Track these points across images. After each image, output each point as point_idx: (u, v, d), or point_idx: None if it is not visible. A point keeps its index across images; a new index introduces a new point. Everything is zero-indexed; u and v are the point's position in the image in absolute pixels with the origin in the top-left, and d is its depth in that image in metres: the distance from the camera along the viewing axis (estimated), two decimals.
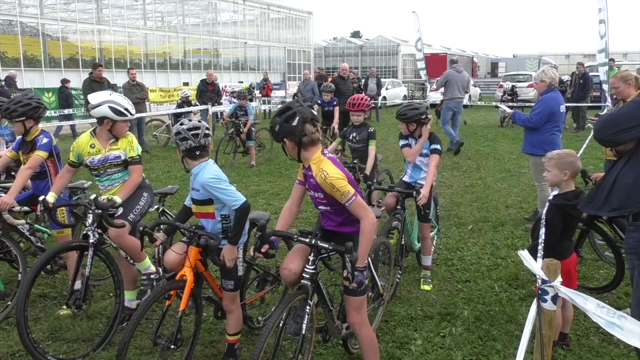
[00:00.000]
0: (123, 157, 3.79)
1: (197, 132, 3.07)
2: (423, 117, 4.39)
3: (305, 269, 2.79)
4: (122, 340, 2.81)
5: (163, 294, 3.09)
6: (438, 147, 4.44)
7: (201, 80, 14.90)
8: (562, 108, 5.87)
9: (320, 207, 2.96)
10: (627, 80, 4.71)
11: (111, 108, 3.63)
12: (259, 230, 2.75)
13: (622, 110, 2.92)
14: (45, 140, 3.93)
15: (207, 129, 3.15)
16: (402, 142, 4.66)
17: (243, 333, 3.49)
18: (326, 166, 2.74)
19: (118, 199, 3.61)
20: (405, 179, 4.68)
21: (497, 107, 7.64)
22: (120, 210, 3.70)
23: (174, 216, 4.23)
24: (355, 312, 2.87)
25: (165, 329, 3.37)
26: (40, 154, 3.89)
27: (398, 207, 4.39)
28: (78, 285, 3.64)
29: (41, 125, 4.13)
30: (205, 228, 3.24)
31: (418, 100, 5.65)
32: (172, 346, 2.99)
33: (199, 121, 3.17)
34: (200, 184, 3.06)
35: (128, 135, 3.87)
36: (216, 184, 3.01)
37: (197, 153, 3.10)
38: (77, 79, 20.71)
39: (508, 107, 16.64)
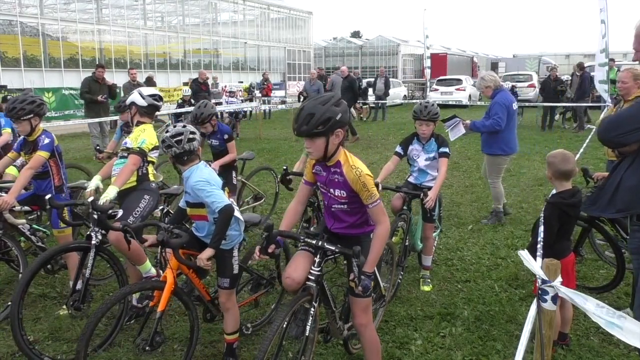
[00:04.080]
0: (128, 145, 4.00)
1: (179, 138, 3.06)
2: (436, 115, 4.37)
3: (311, 271, 2.76)
4: (84, 330, 2.82)
5: (137, 291, 3.20)
6: (447, 150, 4.40)
7: (193, 80, 14.98)
8: (515, 105, 6.13)
9: (335, 207, 2.86)
10: (637, 79, 4.68)
11: (140, 94, 4.16)
12: (266, 230, 2.71)
13: (627, 111, 2.90)
14: (47, 141, 3.94)
15: (192, 132, 3.13)
16: (399, 149, 4.54)
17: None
18: (358, 163, 2.72)
19: (113, 191, 3.65)
20: (411, 179, 4.62)
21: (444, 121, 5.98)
22: (120, 212, 3.72)
23: None
24: (363, 313, 2.85)
25: (165, 329, 3.37)
26: (42, 154, 3.90)
27: (404, 207, 4.36)
28: (80, 285, 3.64)
29: (42, 125, 4.13)
30: (201, 231, 3.26)
31: (430, 100, 5.19)
32: (148, 348, 2.95)
33: (184, 126, 3.15)
34: (190, 188, 3.09)
35: (142, 130, 4.04)
36: (202, 187, 3.03)
37: (185, 158, 3.11)
38: (77, 79, 20.71)
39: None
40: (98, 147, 6.83)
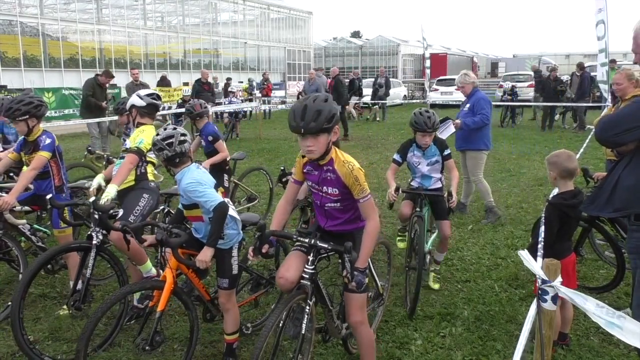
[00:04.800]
0: (127, 145, 4.05)
1: (170, 141, 3.07)
2: (438, 123, 4.32)
3: (305, 269, 2.77)
4: (84, 330, 2.81)
5: (137, 290, 3.21)
6: (450, 151, 4.42)
7: (196, 80, 14.96)
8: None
9: (328, 205, 2.87)
10: (631, 79, 4.78)
11: (138, 95, 4.23)
12: (259, 230, 2.72)
13: (624, 111, 2.90)
14: (48, 141, 3.95)
15: (183, 135, 3.13)
16: (397, 157, 4.47)
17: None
18: (349, 158, 2.73)
19: (112, 189, 3.66)
20: (414, 184, 4.55)
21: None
22: (121, 212, 3.74)
23: None
24: (359, 310, 2.87)
25: (165, 329, 3.37)
26: (44, 154, 3.91)
27: (417, 209, 4.26)
28: (80, 285, 3.64)
29: (41, 125, 4.13)
30: (199, 232, 3.26)
31: (429, 110, 5.26)
32: (148, 347, 2.95)
33: (174, 128, 3.15)
34: (183, 190, 3.10)
35: (142, 130, 4.06)
36: (193, 188, 3.03)
37: (177, 160, 3.12)
38: (76, 79, 20.72)
39: (504, 106, 16.67)
40: (90, 148, 6.86)
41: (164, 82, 18.83)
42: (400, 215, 4.48)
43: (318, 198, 2.90)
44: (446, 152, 4.39)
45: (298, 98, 15.62)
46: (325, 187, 2.81)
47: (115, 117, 8.14)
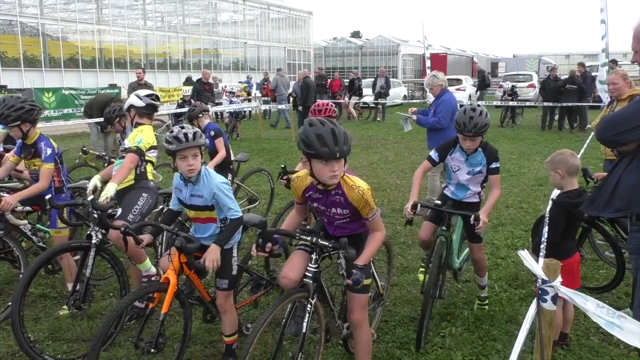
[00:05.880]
0: (126, 145, 4.06)
1: (198, 131, 3.06)
2: (485, 127, 3.57)
3: (308, 268, 2.78)
4: (96, 339, 2.79)
5: (144, 295, 3.12)
6: (499, 164, 3.73)
7: (197, 80, 14.94)
8: (458, 106, 6.44)
9: (338, 222, 2.88)
10: (626, 79, 4.87)
11: (137, 95, 4.24)
12: (259, 227, 2.72)
13: (625, 110, 2.90)
14: (49, 152, 3.96)
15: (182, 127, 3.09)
16: (435, 155, 3.83)
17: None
18: (357, 182, 2.71)
19: (112, 187, 3.66)
20: (447, 193, 3.95)
21: (400, 114, 7.35)
22: (119, 211, 3.73)
23: None
24: (361, 309, 2.88)
25: (165, 330, 3.37)
26: (48, 167, 3.95)
27: (443, 227, 3.70)
28: (79, 286, 3.64)
29: (41, 125, 4.12)
30: (204, 233, 3.23)
31: (476, 106, 3.83)
32: (153, 350, 2.95)
33: (182, 127, 3.08)
34: (211, 189, 3.04)
35: (140, 130, 4.06)
36: (227, 191, 3.06)
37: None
38: (76, 79, 20.74)
39: (505, 106, 16.66)
40: (84, 149, 6.88)
41: (189, 83, 18.98)
42: (419, 240, 4.00)
43: (326, 217, 2.91)
44: (494, 165, 3.69)
45: (288, 100, 15.49)
46: (334, 209, 2.80)
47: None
